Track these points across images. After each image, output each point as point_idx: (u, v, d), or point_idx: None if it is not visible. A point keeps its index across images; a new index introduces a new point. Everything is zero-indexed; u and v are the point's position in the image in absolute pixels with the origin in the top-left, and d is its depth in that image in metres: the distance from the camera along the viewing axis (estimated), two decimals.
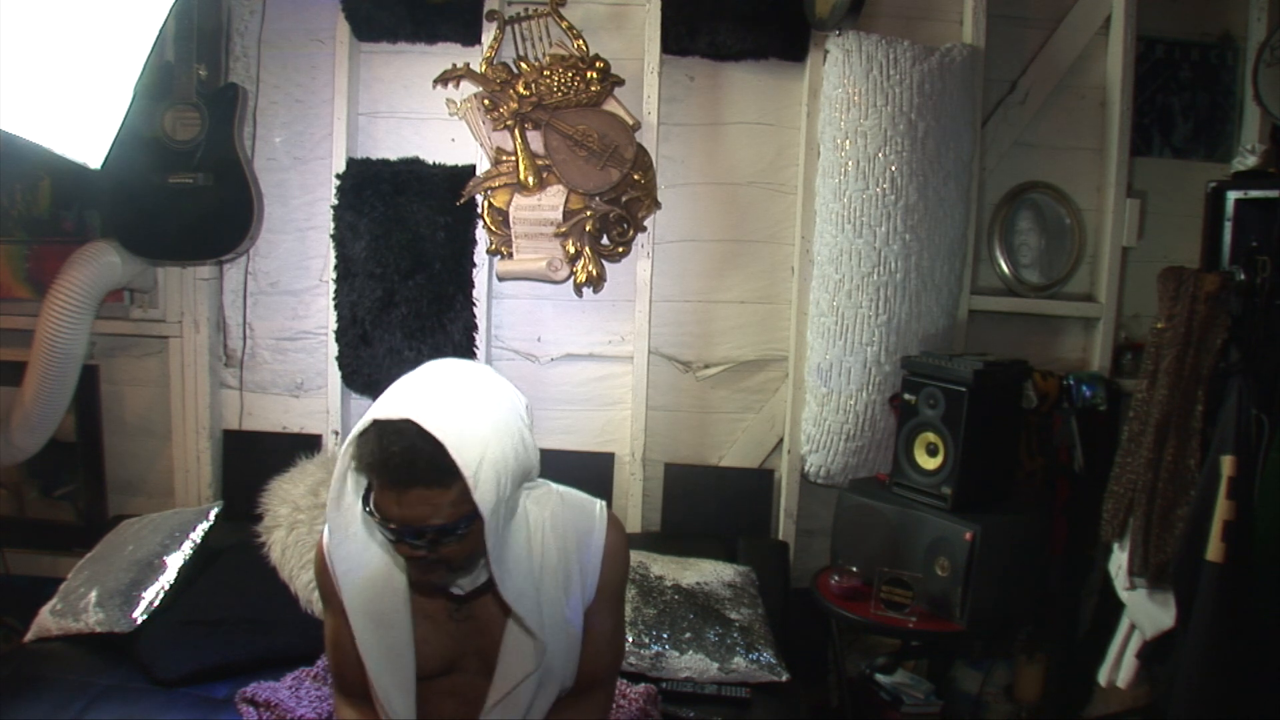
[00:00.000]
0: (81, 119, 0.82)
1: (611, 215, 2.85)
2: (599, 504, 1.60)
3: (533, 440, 1.46)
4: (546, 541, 1.51)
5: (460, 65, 2.84)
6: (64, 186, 3.06)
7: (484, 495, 1.29)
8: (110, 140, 0.87)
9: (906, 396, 2.62)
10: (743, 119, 2.99)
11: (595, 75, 2.80)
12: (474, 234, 2.92)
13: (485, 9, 2.86)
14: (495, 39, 2.84)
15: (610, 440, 3.06)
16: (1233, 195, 2.27)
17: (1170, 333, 2.19)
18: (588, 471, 2.95)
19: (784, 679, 2.37)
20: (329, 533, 1.51)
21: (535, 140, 2.84)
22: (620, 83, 2.84)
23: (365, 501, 1.37)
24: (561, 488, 1.60)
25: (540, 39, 2.86)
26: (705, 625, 2.42)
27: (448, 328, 2.88)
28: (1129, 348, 3.04)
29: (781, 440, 3.05)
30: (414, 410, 1.28)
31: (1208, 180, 2.39)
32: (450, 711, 1.55)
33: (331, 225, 2.92)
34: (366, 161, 2.93)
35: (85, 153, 0.85)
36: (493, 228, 2.88)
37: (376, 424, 1.29)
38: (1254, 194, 2.25)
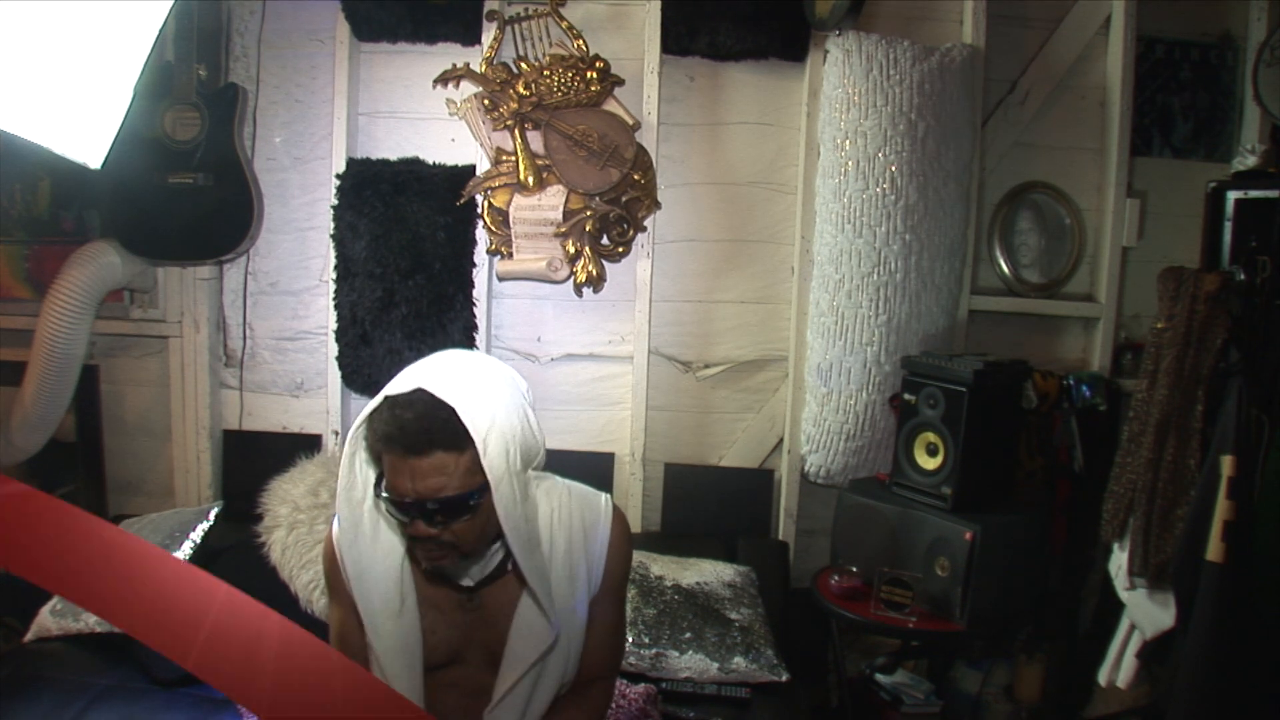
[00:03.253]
0: (81, 119, 0.82)
1: (611, 215, 2.85)
2: (604, 497, 1.63)
3: (537, 422, 1.50)
4: (555, 533, 1.54)
5: (460, 65, 2.84)
6: (64, 186, 3.06)
7: (493, 462, 1.34)
8: (110, 140, 0.87)
9: (906, 396, 2.62)
10: (743, 119, 2.99)
11: (595, 75, 2.80)
12: (474, 234, 2.92)
13: (485, 9, 2.86)
14: (495, 39, 2.84)
15: (610, 440, 3.06)
16: (1233, 195, 2.27)
17: (1170, 333, 2.19)
18: (588, 472, 2.90)
19: (784, 679, 2.36)
20: (339, 524, 1.53)
21: (535, 140, 2.84)
22: (620, 83, 2.84)
23: (378, 490, 1.41)
24: (568, 481, 1.63)
25: (540, 39, 2.86)
26: (705, 625, 2.42)
27: (448, 328, 2.88)
28: (1129, 348, 3.04)
29: (781, 440, 3.04)
30: (424, 381, 1.34)
31: (1208, 180, 2.39)
32: (451, 704, 1.55)
33: (331, 225, 2.91)
34: (366, 161, 2.93)
35: (85, 153, 0.85)
36: (493, 228, 2.88)
37: (389, 399, 1.34)
38: (1254, 194, 2.25)
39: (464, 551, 1.42)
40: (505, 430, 1.37)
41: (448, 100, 2.89)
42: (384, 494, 1.38)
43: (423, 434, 1.32)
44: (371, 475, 1.47)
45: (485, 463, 1.33)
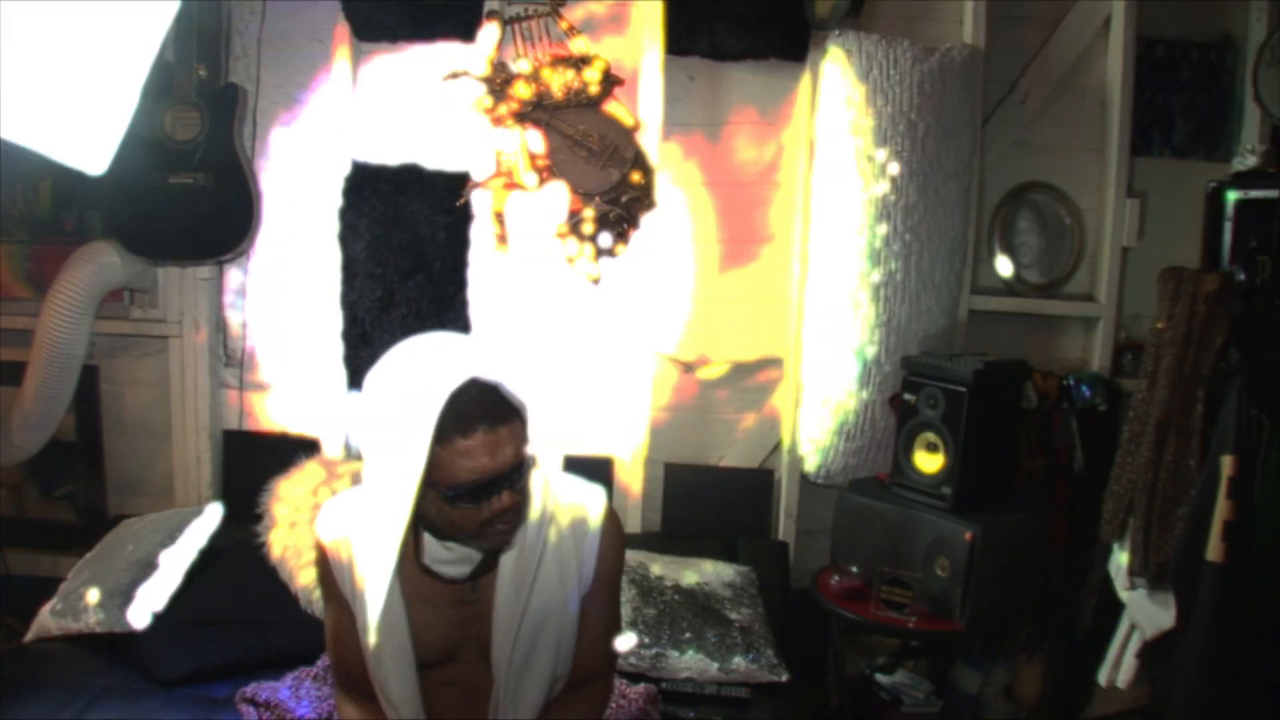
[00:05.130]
0: (85, 129, 0.82)
1: (611, 215, 2.85)
2: (597, 490, 1.63)
3: None
4: (545, 522, 1.53)
5: (460, 67, 2.83)
6: (64, 187, 3.05)
7: (528, 425, 1.41)
8: (113, 150, 0.87)
9: (906, 396, 2.62)
10: (743, 119, 2.99)
11: (596, 75, 2.80)
12: (473, 234, 2.91)
13: (485, 9, 2.86)
14: (496, 40, 2.84)
15: (610, 440, 3.06)
16: (1233, 195, 2.27)
17: (1170, 333, 2.19)
18: (588, 471, 2.91)
19: (784, 679, 2.37)
20: (323, 524, 1.54)
21: (536, 140, 2.83)
22: (620, 83, 2.84)
23: (440, 489, 1.36)
24: (561, 473, 1.63)
25: (540, 39, 2.86)
26: (705, 625, 2.42)
27: (447, 328, 2.85)
28: (1129, 348, 3.05)
29: (781, 440, 3.05)
30: (470, 370, 1.37)
31: (1208, 180, 2.39)
32: (451, 701, 1.55)
33: (338, 225, 2.91)
34: (366, 162, 2.93)
35: (89, 162, 0.85)
36: (493, 228, 2.88)
37: (454, 392, 1.33)
38: (1254, 194, 2.25)
39: (523, 516, 1.47)
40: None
41: (446, 101, 2.88)
42: (454, 482, 1.34)
43: (500, 406, 1.35)
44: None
45: (529, 427, 1.40)
